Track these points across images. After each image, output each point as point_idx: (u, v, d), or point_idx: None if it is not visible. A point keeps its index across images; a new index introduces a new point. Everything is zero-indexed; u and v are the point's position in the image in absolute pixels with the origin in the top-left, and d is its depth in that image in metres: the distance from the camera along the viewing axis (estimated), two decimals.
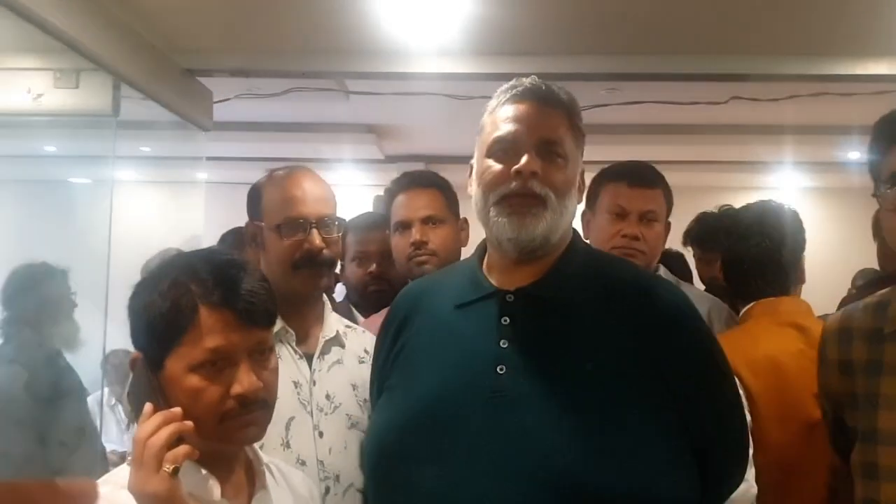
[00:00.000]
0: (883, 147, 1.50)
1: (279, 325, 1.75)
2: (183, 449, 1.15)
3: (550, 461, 1.26)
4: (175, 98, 3.41)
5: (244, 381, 1.24)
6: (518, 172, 1.37)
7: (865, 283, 2.76)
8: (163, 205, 5.18)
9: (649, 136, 4.92)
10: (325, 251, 1.85)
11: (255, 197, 1.94)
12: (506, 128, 1.42)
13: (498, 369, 1.34)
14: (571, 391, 1.31)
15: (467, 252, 2.30)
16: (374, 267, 2.54)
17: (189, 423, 1.18)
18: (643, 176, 2.27)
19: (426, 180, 2.35)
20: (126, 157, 4.14)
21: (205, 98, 3.70)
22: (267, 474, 1.38)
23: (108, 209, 3.31)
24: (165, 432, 1.15)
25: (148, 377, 1.26)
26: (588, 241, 2.14)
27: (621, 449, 1.27)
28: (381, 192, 2.57)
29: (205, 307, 1.24)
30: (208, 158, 5.34)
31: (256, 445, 1.40)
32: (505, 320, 1.39)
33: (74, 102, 3.14)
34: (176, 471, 1.13)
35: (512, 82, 1.47)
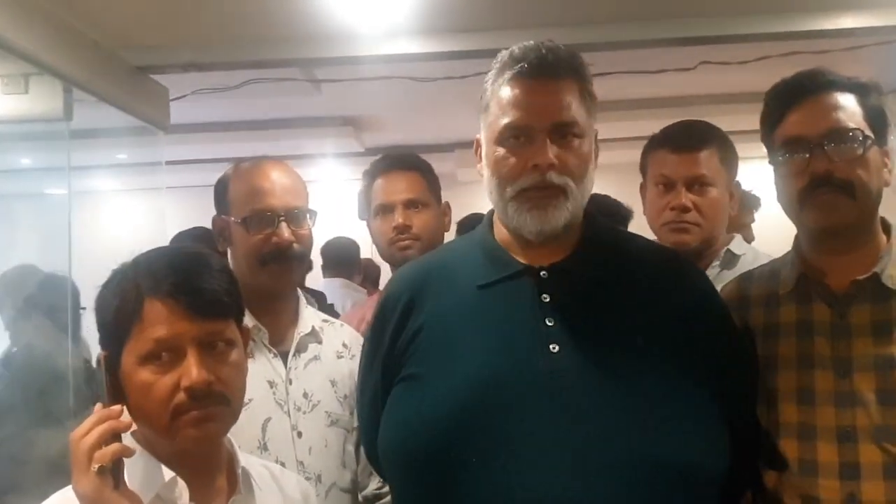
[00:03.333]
0: (776, 115, 1.52)
1: (251, 322, 1.69)
2: (112, 447, 1.12)
3: (622, 439, 1.24)
4: (129, 98, 3.30)
5: (192, 372, 1.18)
6: (535, 166, 1.33)
7: None
8: (125, 212, 5.07)
9: (626, 111, 4.89)
10: (294, 245, 1.78)
11: (221, 190, 1.88)
12: (515, 113, 1.35)
13: (551, 348, 1.30)
14: (626, 366, 1.30)
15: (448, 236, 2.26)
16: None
17: (125, 421, 1.15)
18: (687, 138, 2.06)
19: (407, 163, 2.27)
20: (83, 166, 4.04)
21: (160, 96, 3.59)
22: (253, 479, 1.32)
23: (67, 220, 3.20)
24: (97, 431, 1.13)
25: (106, 376, 1.24)
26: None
27: (684, 421, 1.27)
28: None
29: (150, 299, 1.21)
30: (171, 163, 5.25)
31: (235, 448, 1.34)
32: (545, 298, 1.35)
33: (24, 108, 3.03)
34: (102, 470, 1.10)
35: (513, 51, 1.39)
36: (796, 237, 1.60)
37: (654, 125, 5.09)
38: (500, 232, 1.45)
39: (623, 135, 5.13)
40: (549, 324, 1.32)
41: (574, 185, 1.35)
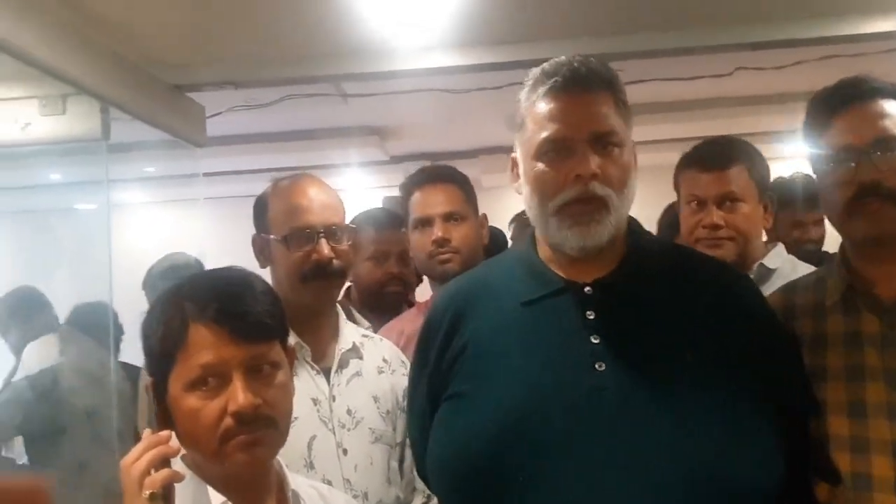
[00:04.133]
0: (820, 124, 1.49)
1: (293, 340, 1.69)
2: (162, 473, 1.12)
3: (671, 456, 1.22)
4: (165, 116, 3.34)
5: (238, 397, 1.19)
6: (578, 177, 1.31)
7: None
8: (163, 224, 5.14)
9: (659, 114, 4.84)
10: (334, 261, 1.78)
11: (260, 209, 1.89)
12: (553, 126, 1.33)
13: (597, 366, 1.28)
14: (674, 382, 1.27)
15: None
16: (394, 267, 2.46)
17: (174, 447, 1.15)
18: (716, 156, 2.09)
19: (445, 175, 2.28)
20: (121, 179, 4.10)
21: (197, 114, 3.63)
22: (303, 500, 1.33)
23: (107, 234, 3.25)
24: (147, 457, 1.13)
25: (153, 403, 1.26)
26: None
27: (735, 436, 1.25)
28: (388, 194, 2.50)
29: (195, 324, 1.21)
30: (209, 174, 5.31)
31: (285, 469, 1.34)
32: (590, 314, 1.33)
33: (63, 129, 3.07)
34: (153, 496, 1.10)
35: (545, 67, 1.38)
36: (841, 246, 1.57)
37: (690, 128, 5.09)
38: (543, 248, 1.43)
39: (659, 137, 5.13)
40: (595, 341, 1.30)
41: (616, 196, 1.33)
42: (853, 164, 1.43)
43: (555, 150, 1.33)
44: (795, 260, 2.20)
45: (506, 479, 1.26)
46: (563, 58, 1.37)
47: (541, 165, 1.35)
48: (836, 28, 3.15)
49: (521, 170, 1.42)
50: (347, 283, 2.60)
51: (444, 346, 1.43)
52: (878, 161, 1.42)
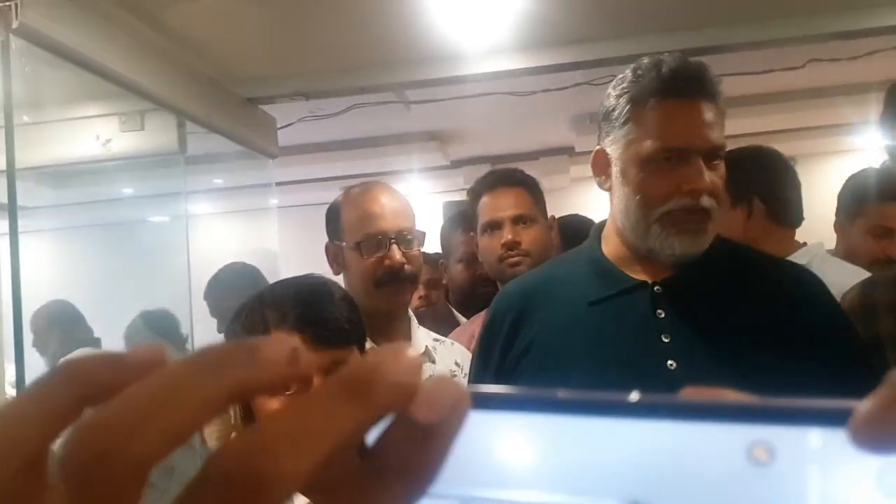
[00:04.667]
0: None
1: (368, 345, 1.72)
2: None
3: None
4: (239, 129, 3.42)
5: None
6: (692, 190, 1.30)
7: None
8: (238, 234, 5.25)
9: (732, 108, 4.75)
10: (406, 266, 1.81)
11: (333, 217, 1.93)
12: (667, 134, 1.30)
13: (668, 365, 1.27)
14: (747, 381, 1.22)
15: None
16: (483, 269, 2.48)
17: None
18: None
19: (513, 178, 2.28)
20: (198, 191, 4.21)
21: (269, 125, 3.72)
22: None
23: (185, 244, 3.35)
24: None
25: (239, 407, 1.27)
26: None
27: None
28: (449, 199, 2.53)
29: (277, 331, 1.23)
30: (279, 183, 5.41)
31: None
32: (660, 313, 1.33)
33: (142, 144, 3.18)
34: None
35: (651, 65, 1.33)
36: None
37: (762, 122, 4.97)
38: (610, 246, 1.42)
39: (733, 133, 5.01)
40: (666, 340, 1.30)
41: (717, 206, 1.33)
42: None
43: (666, 160, 1.31)
44: (828, 256, 2.15)
45: None
46: (665, 56, 1.34)
47: (649, 171, 1.33)
48: None
49: (615, 169, 1.38)
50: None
51: (508, 344, 1.43)
52: None
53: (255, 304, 1.30)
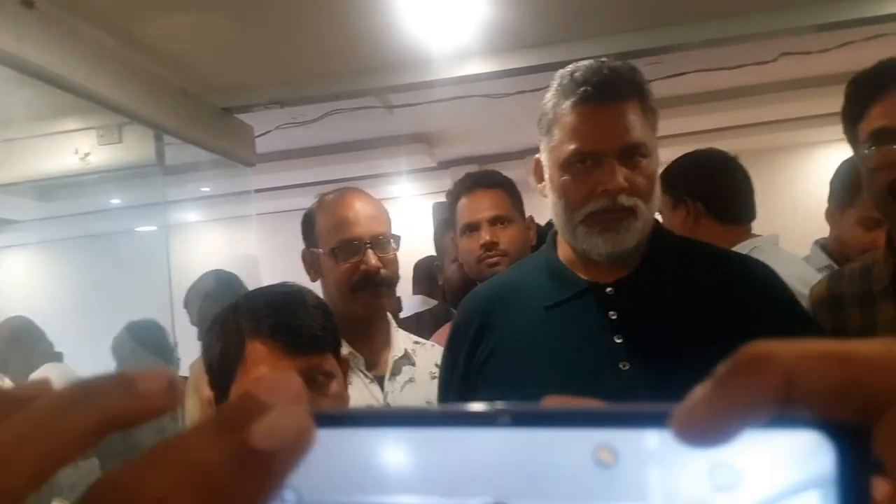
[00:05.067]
0: (860, 107, 1.47)
1: (346, 350, 1.73)
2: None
3: None
4: (216, 138, 3.43)
5: None
6: (606, 191, 1.32)
7: None
8: (218, 242, 5.25)
9: (704, 104, 4.82)
10: (382, 271, 1.82)
11: (308, 224, 1.94)
12: (582, 138, 1.33)
13: (621, 366, 1.29)
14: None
15: None
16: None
17: None
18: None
19: (490, 180, 2.29)
20: (177, 201, 4.21)
21: (246, 134, 3.73)
22: None
23: (166, 254, 3.35)
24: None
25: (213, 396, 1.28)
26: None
27: None
28: (438, 200, 2.55)
29: (252, 340, 1.24)
30: (259, 190, 5.41)
31: None
32: (612, 315, 1.34)
33: (120, 157, 3.19)
34: None
35: (574, 73, 1.36)
36: (888, 231, 1.54)
37: (735, 116, 5.00)
38: (564, 250, 1.44)
39: (706, 127, 5.06)
40: (618, 341, 1.31)
41: (643, 204, 1.34)
42: (895, 147, 1.41)
43: (581, 162, 1.34)
44: (771, 247, 2.17)
45: None
46: (591, 62, 1.36)
47: (568, 175, 1.36)
48: (886, 7, 3.08)
49: (546, 175, 1.42)
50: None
51: (472, 351, 1.44)
52: None
53: (229, 314, 1.30)
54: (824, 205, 2.46)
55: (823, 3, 3.04)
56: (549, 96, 1.40)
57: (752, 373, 0.26)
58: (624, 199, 1.32)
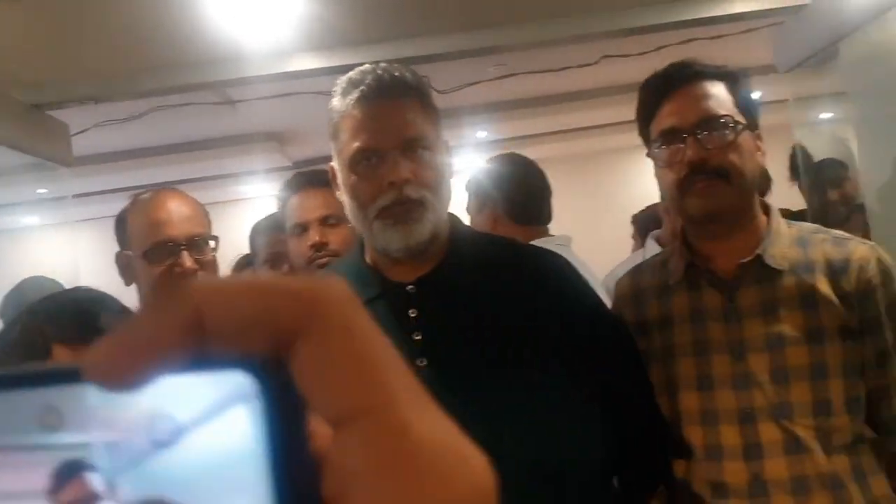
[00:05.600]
0: (650, 108, 1.57)
1: None
2: None
3: (491, 444, 1.19)
4: (26, 138, 3.20)
5: None
6: (391, 184, 1.34)
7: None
8: (38, 249, 4.95)
9: (544, 107, 4.95)
10: (199, 273, 1.75)
11: (120, 227, 1.87)
12: (363, 136, 1.36)
13: (418, 363, 1.30)
14: (496, 373, 1.31)
15: None
16: (286, 267, 2.43)
17: None
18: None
19: (320, 179, 2.25)
20: None
21: (60, 132, 3.50)
22: None
23: None
24: None
25: None
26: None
27: (557, 419, 1.28)
28: None
29: (58, 346, 1.18)
30: (86, 195, 5.12)
31: None
32: (412, 312, 1.36)
33: None
34: None
35: (352, 76, 1.40)
36: (682, 226, 1.63)
37: (565, 119, 5.18)
38: (370, 253, 1.45)
39: (545, 130, 5.22)
40: (417, 338, 1.33)
41: (432, 196, 1.36)
42: (681, 145, 1.50)
43: (367, 159, 1.36)
44: (559, 246, 2.27)
45: None
46: (367, 66, 1.40)
47: (356, 175, 1.37)
48: (698, 11, 3.26)
49: (339, 178, 1.43)
50: None
51: None
52: (704, 140, 1.48)
53: (28, 320, 1.23)
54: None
55: (640, 6, 3.19)
56: (332, 102, 1.42)
57: (162, 311, 0.24)
58: (411, 191, 1.34)
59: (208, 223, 1.87)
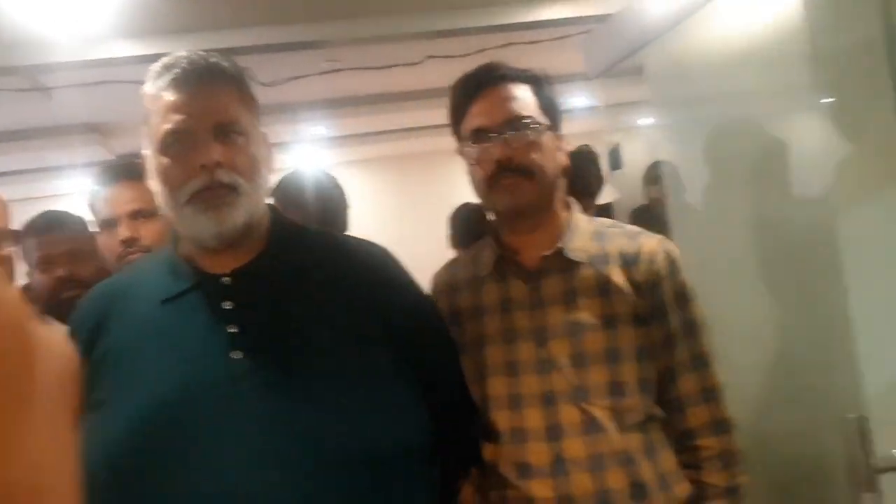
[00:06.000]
0: (461, 109, 1.64)
1: None
2: None
3: (311, 432, 1.23)
4: None
5: None
6: (203, 167, 1.31)
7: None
8: None
9: (375, 105, 4.98)
10: None
11: None
12: (174, 118, 1.32)
13: (232, 355, 1.27)
14: (312, 362, 1.30)
15: None
16: (62, 270, 2.27)
17: None
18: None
19: (131, 172, 2.14)
20: None
21: None
22: None
23: None
24: None
25: None
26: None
27: (371, 406, 1.29)
28: None
29: None
30: None
31: None
32: (227, 305, 1.33)
33: None
34: None
35: (165, 61, 1.36)
36: (493, 222, 1.70)
37: (399, 119, 5.23)
38: (184, 244, 1.42)
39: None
40: (232, 330, 1.30)
41: (245, 182, 1.34)
42: (488, 144, 1.58)
43: (178, 142, 1.32)
44: None
45: (144, 480, 1.22)
46: (182, 52, 1.37)
47: (166, 158, 1.34)
48: (515, 16, 3.39)
49: (150, 165, 1.39)
50: None
51: (86, 353, 1.36)
52: (510, 139, 1.57)
53: None
54: None
55: (463, 8, 3.27)
56: (145, 86, 1.37)
57: None
58: (223, 176, 1.31)
59: (7, 216, 1.76)
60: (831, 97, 1.73)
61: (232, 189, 1.32)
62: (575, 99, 4.68)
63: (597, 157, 3.36)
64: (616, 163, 3.52)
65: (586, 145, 3.36)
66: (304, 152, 5.97)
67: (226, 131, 1.33)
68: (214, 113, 1.33)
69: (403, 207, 7.15)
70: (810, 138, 1.83)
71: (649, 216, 3.03)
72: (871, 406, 1.55)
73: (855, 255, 1.66)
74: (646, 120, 4.39)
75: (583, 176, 3.14)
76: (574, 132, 2.41)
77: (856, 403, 1.55)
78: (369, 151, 7.06)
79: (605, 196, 3.53)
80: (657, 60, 2.52)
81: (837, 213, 1.70)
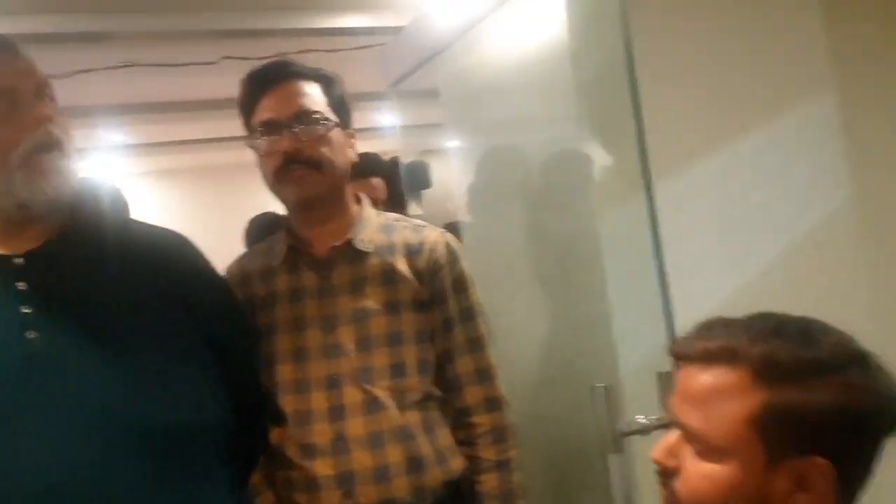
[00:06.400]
0: (251, 102, 1.71)
1: None
2: None
3: (106, 410, 1.25)
4: None
5: None
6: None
7: None
8: None
9: (175, 113, 4.88)
10: None
11: None
12: None
13: (27, 335, 1.26)
14: (111, 343, 1.31)
15: None
16: None
17: None
18: None
19: None
20: None
21: None
22: None
23: None
24: None
25: None
26: None
27: (169, 385, 1.31)
28: None
29: None
30: None
31: None
32: (20, 285, 1.30)
33: None
34: None
35: None
36: (286, 216, 1.76)
37: (192, 128, 5.07)
38: None
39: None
40: (26, 311, 1.29)
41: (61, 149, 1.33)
42: (278, 137, 1.64)
43: None
44: None
45: None
46: None
47: None
48: (312, 21, 3.42)
49: None
50: None
51: None
52: (300, 133, 1.64)
53: None
54: None
55: (262, 9, 3.27)
56: None
57: None
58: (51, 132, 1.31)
59: None
60: (590, 119, 1.94)
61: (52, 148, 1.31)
62: (381, 117, 4.75)
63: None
64: (423, 182, 3.62)
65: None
66: (100, 160, 5.70)
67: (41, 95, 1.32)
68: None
69: (203, 220, 6.97)
70: (575, 157, 2.03)
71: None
72: (626, 380, 1.75)
73: (611, 251, 1.86)
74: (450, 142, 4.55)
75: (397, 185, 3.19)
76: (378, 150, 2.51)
77: (610, 378, 1.74)
78: (168, 162, 6.85)
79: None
80: (448, 82, 2.65)
81: (597, 218, 1.90)
